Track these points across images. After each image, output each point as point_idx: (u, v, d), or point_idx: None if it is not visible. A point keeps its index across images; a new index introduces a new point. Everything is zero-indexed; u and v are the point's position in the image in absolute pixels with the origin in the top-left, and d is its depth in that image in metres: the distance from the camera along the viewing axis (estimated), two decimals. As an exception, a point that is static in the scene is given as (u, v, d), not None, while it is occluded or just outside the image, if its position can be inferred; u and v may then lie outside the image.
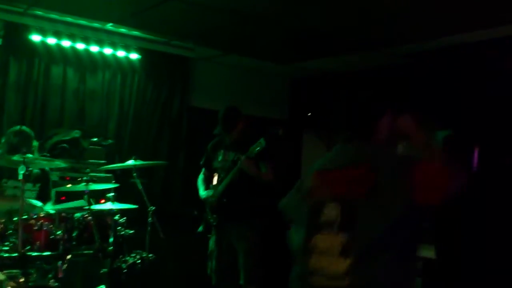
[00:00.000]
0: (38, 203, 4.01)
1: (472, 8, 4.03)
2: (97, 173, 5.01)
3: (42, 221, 3.60)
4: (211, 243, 4.54)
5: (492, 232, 4.38)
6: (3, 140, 4.18)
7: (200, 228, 4.55)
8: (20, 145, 3.87)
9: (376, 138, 2.17)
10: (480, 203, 4.42)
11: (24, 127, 4.24)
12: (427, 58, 5.29)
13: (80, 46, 5.59)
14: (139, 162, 4.40)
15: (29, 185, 4.08)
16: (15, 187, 4.04)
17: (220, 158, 4.49)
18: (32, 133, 4.21)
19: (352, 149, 2.20)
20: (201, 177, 4.72)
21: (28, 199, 3.82)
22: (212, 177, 4.65)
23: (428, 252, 5.34)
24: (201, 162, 4.72)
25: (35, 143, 4.22)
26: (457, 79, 4.96)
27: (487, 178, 4.42)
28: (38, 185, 4.20)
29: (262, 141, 4.07)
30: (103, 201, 4.50)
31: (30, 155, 3.55)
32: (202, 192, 4.57)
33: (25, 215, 3.53)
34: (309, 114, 7.09)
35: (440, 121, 5.21)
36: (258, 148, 4.06)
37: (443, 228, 4.76)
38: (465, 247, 4.60)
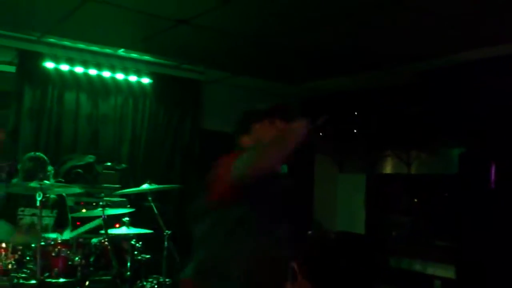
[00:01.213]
0: (53, 235, 3.98)
1: (487, 24, 4.04)
2: (112, 197, 5.01)
3: (59, 247, 3.59)
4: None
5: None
6: (19, 167, 4.20)
7: None
8: (35, 171, 3.88)
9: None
10: (499, 220, 4.37)
11: (38, 153, 4.26)
12: (441, 74, 5.29)
13: (93, 72, 5.66)
14: (154, 186, 4.39)
15: (46, 212, 4.08)
16: (33, 215, 4.03)
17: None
18: (46, 159, 4.23)
19: None
20: None
21: (44, 233, 3.80)
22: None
23: (447, 272, 5.28)
24: None
25: (51, 169, 4.23)
26: (473, 95, 4.94)
27: (505, 195, 4.38)
28: (55, 211, 4.20)
29: (284, 167, 4.03)
30: (117, 225, 4.49)
31: (47, 182, 3.55)
32: None
33: (42, 242, 3.52)
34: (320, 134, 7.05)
35: (456, 138, 5.20)
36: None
37: (463, 247, 4.70)
38: (486, 267, 4.52)
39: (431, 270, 5.69)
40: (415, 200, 6.39)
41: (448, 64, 5.08)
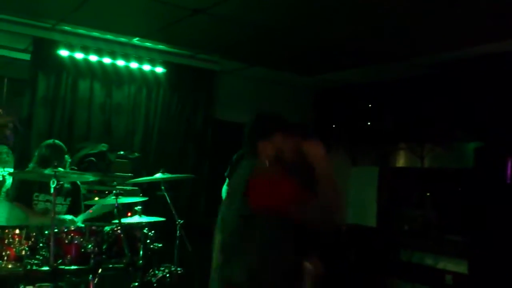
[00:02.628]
0: (69, 217, 4.02)
1: (506, 17, 3.97)
2: (124, 186, 5.02)
3: (72, 234, 3.59)
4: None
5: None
6: (35, 153, 4.22)
7: None
8: (51, 158, 3.90)
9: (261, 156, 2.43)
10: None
11: (57, 141, 4.28)
12: (456, 68, 5.22)
13: (107, 60, 5.66)
14: (167, 175, 4.39)
15: (60, 199, 4.10)
16: (47, 201, 4.06)
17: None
18: (65, 148, 4.25)
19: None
20: (225, 188, 4.69)
21: (58, 215, 3.83)
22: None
23: (458, 267, 5.24)
24: (226, 173, 4.69)
25: (67, 158, 4.25)
26: (489, 89, 4.88)
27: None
28: (69, 199, 4.22)
29: None
30: (129, 214, 4.51)
31: (61, 169, 3.56)
32: None
33: (55, 229, 3.53)
34: (334, 126, 7.04)
35: (472, 132, 5.14)
36: None
37: (476, 242, 4.66)
38: (500, 262, 4.48)
39: (443, 264, 5.65)
40: (428, 194, 6.34)
41: (465, 56, 5.02)
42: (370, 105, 6.59)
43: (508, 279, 4.38)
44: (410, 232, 6.27)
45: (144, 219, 4.09)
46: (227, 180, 4.70)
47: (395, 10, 4.03)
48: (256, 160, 2.43)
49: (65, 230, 3.62)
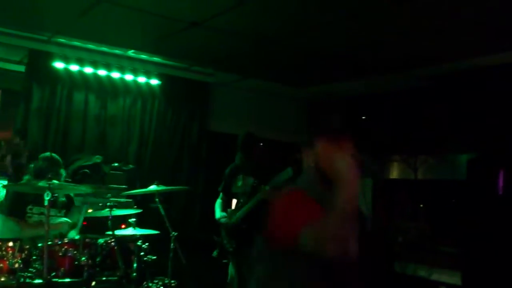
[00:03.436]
0: (63, 219, 4.02)
1: (492, 31, 4.02)
2: (118, 198, 5.01)
3: (66, 247, 3.60)
4: (231, 270, 4.49)
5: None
6: (31, 166, 4.23)
7: (215, 253, 4.50)
8: (47, 170, 3.90)
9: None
10: (506, 226, 4.35)
11: (54, 154, 4.28)
12: (450, 80, 5.28)
13: (102, 72, 5.68)
14: (161, 187, 4.40)
15: (54, 211, 4.09)
16: (41, 214, 4.06)
17: (239, 183, 4.48)
18: (61, 161, 4.25)
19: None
20: (218, 201, 4.71)
21: (54, 218, 3.84)
22: (230, 201, 4.63)
23: (452, 279, 5.25)
24: (220, 188, 4.71)
25: (63, 172, 4.25)
26: (482, 101, 4.92)
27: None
28: (63, 211, 4.22)
29: (289, 170, 4.01)
30: (123, 226, 4.50)
31: (55, 181, 3.56)
32: (218, 214, 4.53)
33: (49, 241, 3.53)
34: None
35: (465, 144, 5.18)
36: (285, 177, 4.02)
37: (469, 253, 4.68)
38: (493, 274, 4.50)
39: (437, 276, 5.66)
40: (421, 205, 6.37)
41: (458, 69, 5.07)
42: (363, 117, 6.63)
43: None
44: (404, 243, 6.28)
45: (138, 231, 4.09)
46: (221, 195, 4.72)
47: (389, 24, 4.07)
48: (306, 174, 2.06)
49: (59, 242, 3.62)
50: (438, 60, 4.94)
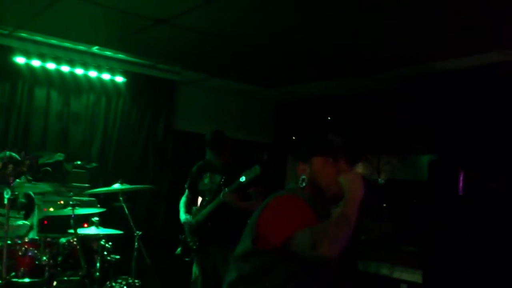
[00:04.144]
0: (21, 222, 3.92)
1: (461, 35, 4.12)
2: (81, 197, 4.93)
3: (26, 246, 3.52)
4: (195, 269, 4.45)
5: (480, 255, 4.41)
6: None
7: (178, 251, 4.46)
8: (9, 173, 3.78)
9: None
10: (466, 226, 4.47)
11: (13, 154, 4.15)
12: (413, 83, 5.38)
13: (65, 68, 5.56)
14: (125, 186, 4.34)
15: (14, 213, 3.98)
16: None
17: (206, 180, 4.44)
18: (19, 158, 4.14)
19: None
20: (183, 199, 4.65)
21: (13, 220, 3.74)
22: (195, 199, 4.58)
23: (413, 276, 5.36)
24: (186, 185, 4.66)
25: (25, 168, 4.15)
26: (442, 104, 5.05)
27: (473, 201, 4.48)
28: (22, 212, 4.11)
29: (257, 168, 3.98)
30: (86, 225, 4.43)
31: (17, 180, 3.47)
32: (183, 216, 4.49)
33: (8, 241, 3.44)
34: (294, 138, 7.11)
35: (427, 145, 5.30)
36: (253, 175, 4.00)
37: (430, 252, 4.79)
38: (453, 272, 4.62)
39: (398, 274, 5.76)
40: (384, 205, 6.48)
41: (421, 72, 5.18)
42: (329, 118, 6.70)
43: (462, 285, 4.53)
44: (367, 242, 6.38)
45: (101, 230, 4.03)
46: (186, 192, 4.68)
47: (358, 26, 4.12)
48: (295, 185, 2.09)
49: (19, 241, 3.53)
50: (401, 63, 5.04)
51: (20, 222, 3.95)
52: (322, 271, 1.94)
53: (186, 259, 4.43)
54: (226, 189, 4.02)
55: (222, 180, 4.24)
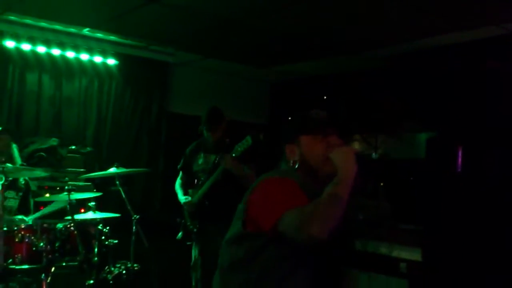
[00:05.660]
0: (19, 217, 3.87)
1: (451, 10, 4.07)
2: (76, 181, 4.88)
3: (23, 232, 3.48)
4: (194, 252, 4.43)
5: (479, 232, 4.42)
6: None
7: (179, 235, 4.44)
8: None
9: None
10: (465, 203, 4.46)
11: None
12: (407, 60, 5.34)
13: (56, 52, 5.46)
14: (121, 170, 4.29)
15: (12, 193, 3.94)
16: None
17: (200, 161, 4.40)
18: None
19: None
20: (178, 181, 4.61)
21: (9, 216, 3.69)
22: (191, 181, 4.54)
23: (412, 255, 5.37)
24: (179, 166, 4.61)
25: (15, 147, 4.09)
26: (438, 81, 5.01)
27: (471, 178, 4.46)
28: (20, 194, 4.07)
29: (248, 138, 3.92)
30: (83, 210, 4.39)
31: (9, 165, 3.41)
32: (182, 198, 4.45)
33: (5, 227, 3.39)
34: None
35: (423, 123, 5.27)
36: (245, 146, 3.95)
37: (429, 230, 4.78)
38: (452, 249, 4.62)
39: (397, 252, 5.77)
40: (381, 184, 6.46)
41: (415, 49, 5.13)
42: (325, 97, 6.65)
43: (460, 265, 4.53)
44: (365, 221, 6.38)
45: (98, 215, 4.00)
46: (180, 173, 4.64)
47: (348, 5, 4.06)
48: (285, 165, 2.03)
49: (15, 228, 3.49)
50: (396, 41, 4.98)
51: (18, 218, 3.89)
52: (312, 253, 1.89)
53: (188, 243, 4.41)
54: (227, 155, 3.98)
55: (217, 159, 4.20)
